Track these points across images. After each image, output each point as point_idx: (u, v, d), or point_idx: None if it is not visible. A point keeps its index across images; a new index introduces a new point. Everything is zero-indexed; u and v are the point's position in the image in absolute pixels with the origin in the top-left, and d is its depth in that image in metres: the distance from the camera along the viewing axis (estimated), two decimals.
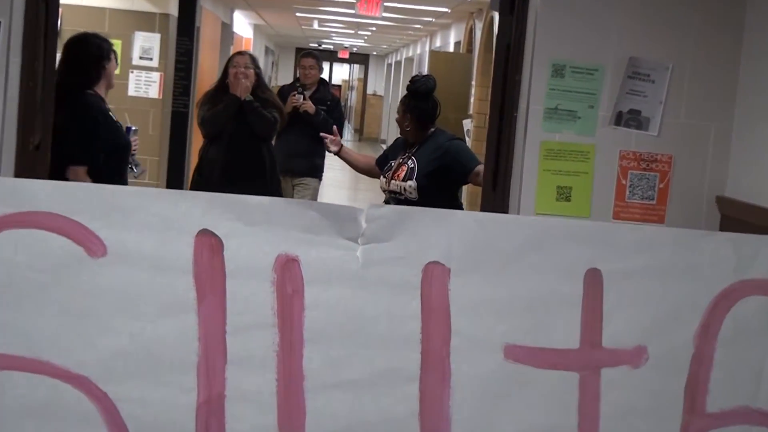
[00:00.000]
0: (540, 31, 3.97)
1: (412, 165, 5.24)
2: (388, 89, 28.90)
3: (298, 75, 8.12)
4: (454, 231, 1.99)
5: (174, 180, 8.60)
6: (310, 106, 7.31)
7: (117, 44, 8.90)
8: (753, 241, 2.08)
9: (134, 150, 4.87)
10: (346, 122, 36.82)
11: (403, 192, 5.17)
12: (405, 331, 1.99)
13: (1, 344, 1.97)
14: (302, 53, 8.37)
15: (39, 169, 3.71)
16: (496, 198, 4.04)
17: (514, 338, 2.00)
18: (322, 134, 5.74)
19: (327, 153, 6.25)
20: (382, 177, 5.44)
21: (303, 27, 22.44)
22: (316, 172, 7.64)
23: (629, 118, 4.00)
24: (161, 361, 1.97)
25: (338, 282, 1.98)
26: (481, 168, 4.83)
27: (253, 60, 6.10)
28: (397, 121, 5.48)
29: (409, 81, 5.54)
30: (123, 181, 4.57)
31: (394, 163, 5.38)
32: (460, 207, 5.52)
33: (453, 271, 1.99)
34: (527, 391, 2.00)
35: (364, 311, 1.99)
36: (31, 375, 1.96)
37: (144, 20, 8.93)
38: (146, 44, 8.87)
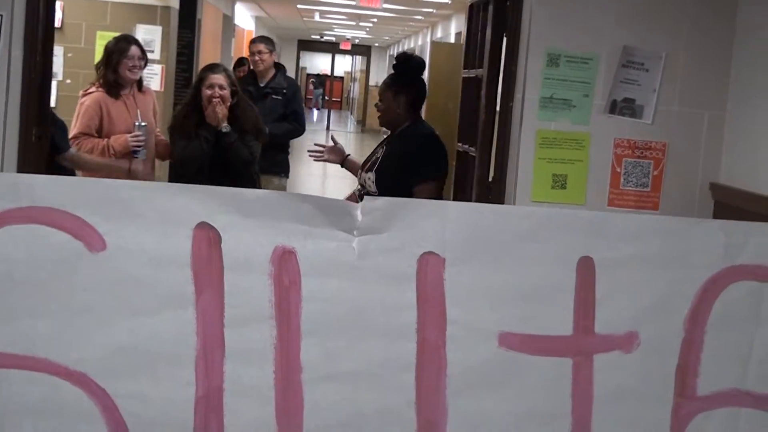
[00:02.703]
0: (535, 21, 4.01)
1: (380, 154, 4.65)
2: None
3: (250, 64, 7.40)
4: (448, 222, 2.01)
5: (175, 173, 8.62)
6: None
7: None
8: (742, 228, 2.11)
9: (139, 146, 4.97)
10: (349, 114, 36.74)
11: (365, 184, 4.59)
12: (401, 321, 2.02)
13: (2, 343, 1.98)
14: (252, 39, 7.58)
15: (39, 160, 3.76)
16: (493, 186, 4.08)
17: (508, 326, 2.03)
18: (314, 145, 5.14)
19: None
20: None
21: (305, 19, 22.43)
22: (279, 168, 6.88)
23: (624, 107, 4.04)
24: (160, 356, 1.98)
25: (335, 273, 2.00)
26: (422, 188, 4.33)
27: (228, 76, 5.25)
28: (380, 107, 4.70)
29: (397, 59, 4.77)
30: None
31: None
32: None
33: (448, 261, 2.02)
34: (522, 378, 2.03)
35: (361, 302, 2.01)
36: (30, 373, 1.97)
37: (145, 13, 8.95)
38: (148, 37, 8.89)
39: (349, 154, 5.09)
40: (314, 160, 5.17)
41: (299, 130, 7.10)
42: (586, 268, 2.04)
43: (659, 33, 4.03)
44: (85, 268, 1.96)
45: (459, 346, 2.01)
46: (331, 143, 5.18)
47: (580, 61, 4.02)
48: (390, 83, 4.67)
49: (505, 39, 4.12)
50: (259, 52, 7.06)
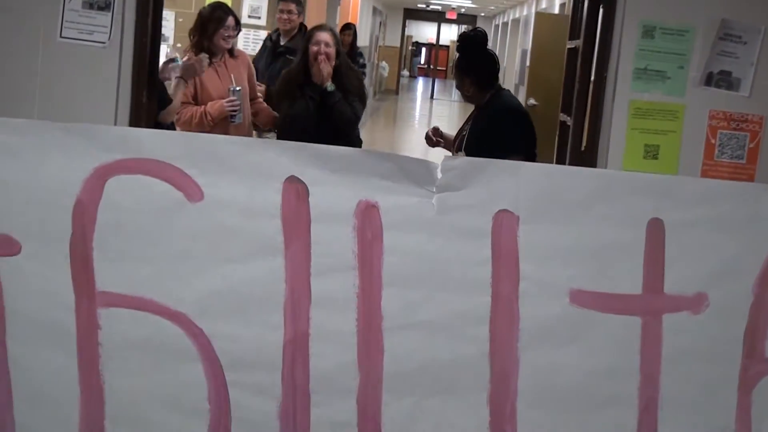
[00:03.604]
0: None
1: (465, 133, 4.70)
2: (494, 50, 28.61)
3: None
4: (523, 181, 2.07)
5: (281, 135, 8.73)
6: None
7: (227, 1, 9.12)
8: None
9: (235, 110, 5.07)
10: (453, 83, 36.27)
11: None
12: (476, 275, 2.08)
13: (108, 283, 2.12)
14: None
15: (149, 118, 3.95)
16: (585, 155, 4.13)
17: (579, 284, 2.08)
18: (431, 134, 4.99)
19: None
20: None
21: None
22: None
23: (719, 79, 4.03)
24: (251, 300, 2.09)
25: (415, 228, 2.07)
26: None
27: (334, 35, 5.24)
28: (458, 87, 4.80)
29: (459, 38, 4.82)
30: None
31: None
32: None
33: (522, 219, 2.07)
34: (591, 335, 2.08)
35: (439, 256, 2.08)
36: (135, 312, 2.11)
37: None
38: (255, 3, 9.07)
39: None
40: (430, 146, 5.12)
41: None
42: (656, 229, 2.07)
43: (758, 5, 4.00)
44: (185, 218, 2.07)
45: (531, 302, 2.07)
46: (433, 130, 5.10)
47: (675, 33, 4.02)
48: (455, 67, 4.73)
49: (601, 10, 4.14)
50: (289, 12, 6.87)
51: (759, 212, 2.07)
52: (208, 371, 2.11)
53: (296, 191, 2.05)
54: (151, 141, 2.10)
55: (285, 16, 6.89)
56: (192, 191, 2.06)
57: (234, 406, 2.12)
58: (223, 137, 2.17)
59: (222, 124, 5.07)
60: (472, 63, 4.65)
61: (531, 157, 4.44)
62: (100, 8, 3.76)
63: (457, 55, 4.78)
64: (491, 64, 4.70)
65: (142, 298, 2.10)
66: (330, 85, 5.11)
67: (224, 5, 5.53)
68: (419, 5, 30.93)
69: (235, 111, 5.06)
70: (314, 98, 5.11)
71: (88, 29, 3.79)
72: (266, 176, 2.06)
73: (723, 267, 2.08)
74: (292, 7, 6.90)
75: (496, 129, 4.48)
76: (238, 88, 5.10)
